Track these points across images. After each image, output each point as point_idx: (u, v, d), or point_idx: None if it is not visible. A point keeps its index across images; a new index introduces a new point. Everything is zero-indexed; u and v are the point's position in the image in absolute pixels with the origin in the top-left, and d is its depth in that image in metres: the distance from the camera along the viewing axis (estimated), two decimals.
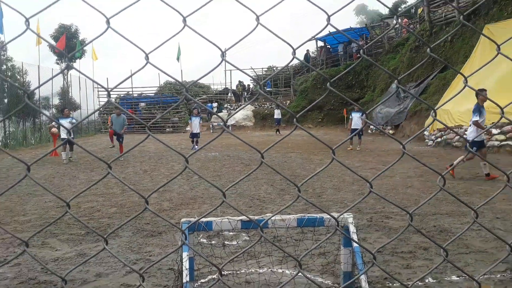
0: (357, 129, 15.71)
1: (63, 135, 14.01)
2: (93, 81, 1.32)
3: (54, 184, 9.96)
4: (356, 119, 15.93)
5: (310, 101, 29.32)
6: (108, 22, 1.01)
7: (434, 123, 15.69)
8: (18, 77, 25.03)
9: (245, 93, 38.25)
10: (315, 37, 29.09)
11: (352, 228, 3.50)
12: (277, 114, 26.64)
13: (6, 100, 23.05)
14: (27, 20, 1.02)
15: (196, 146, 17.09)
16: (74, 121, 14.05)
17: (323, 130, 27.43)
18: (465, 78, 1.28)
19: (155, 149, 17.52)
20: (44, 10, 1.07)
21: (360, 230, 5.63)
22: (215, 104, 34.56)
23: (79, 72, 1.17)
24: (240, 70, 1.32)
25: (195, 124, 17.28)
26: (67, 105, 28.72)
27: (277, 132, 25.81)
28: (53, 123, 13.89)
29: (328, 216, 3.51)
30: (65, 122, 13.24)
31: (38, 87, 8.14)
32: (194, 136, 17.29)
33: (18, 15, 1.05)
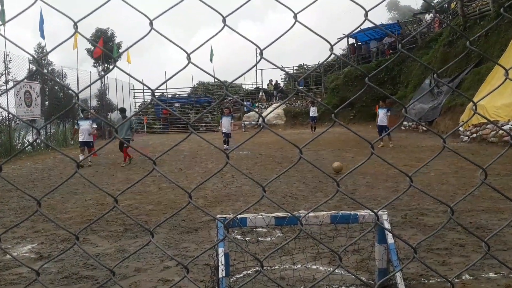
0: (382, 125, 15.50)
1: (82, 137, 13.37)
2: (140, 82, 1.36)
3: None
4: (382, 116, 15.73)
5: (341, 98, 28.97)
6: (151, 23, 1.04)
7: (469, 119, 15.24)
8: (58, 80, 25.84)
9: (276, 92, 38.22)
10: (349, 34, 28.75)
11: (387, 225, 3.46)
12: (312, 111, 26.05)
13: (47, 103, 23.83)
14: (75, 24, 1.06)
15: (226, 146, 17.01)
16: (95, 125, 13.66)
17: (354, 127, 27.07)
18: (506, 71, 1.24)
19: (189, 149, 17.75)
20: (90, 15, 1.11)
21: (395, 227, 5.55)
22: (247, 103, 34.72)
23: (127, 74, 1.21)
24: (280, 68, 1.33)
25: (226, 124, 17.23)
26: (105, 106, 29.50)
27: (313, 130, 25.57)
28: (92, 124, 13.51)
29: (362, 213, 3.47)
30: (85, 124, 13.35)
31: (86, 87, 8.37)
32: (226, 135, 17.23)
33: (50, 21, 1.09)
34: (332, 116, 1.04)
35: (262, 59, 1.11)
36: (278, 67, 1.27)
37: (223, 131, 17.19)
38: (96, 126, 13.87)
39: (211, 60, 35.71)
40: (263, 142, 19.40)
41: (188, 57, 1.07)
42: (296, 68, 41.25)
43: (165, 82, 1.17)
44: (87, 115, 13.88)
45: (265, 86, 38.75)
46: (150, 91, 1.15)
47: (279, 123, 31.57)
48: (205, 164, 13.08)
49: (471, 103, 1.21)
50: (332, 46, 1.06)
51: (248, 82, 50.64)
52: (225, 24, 1.05)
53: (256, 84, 39.38)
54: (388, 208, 6.28)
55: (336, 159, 12.74)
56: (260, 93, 36.99)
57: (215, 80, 34.72)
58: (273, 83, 38.68)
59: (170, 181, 1.20)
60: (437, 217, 6.03)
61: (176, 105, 34.96)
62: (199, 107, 33.83)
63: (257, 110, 33.30)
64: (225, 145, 17.00)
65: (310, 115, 26.02)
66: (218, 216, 3.53)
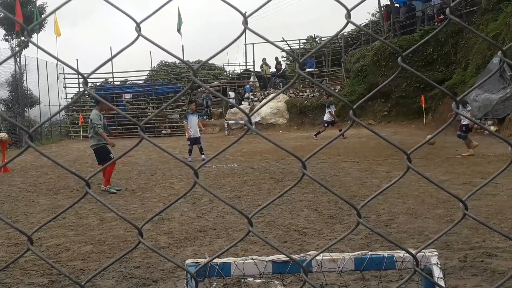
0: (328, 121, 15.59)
1: None
2: (63, 63, 1.35)
3: (4, 213, 10.19)
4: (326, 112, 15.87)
5: (370, 85, 29.09)
6: None
7: None
8: None
9: (275, 77, 38.30)
10: None
11: (437, 272, 3.47)
12: (327, 115, 24.89)
13: None
14: None
15: (203, 156, 17.09)
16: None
17: (390, 128, 27.22)
18: None
19: (146, 160, 17.71)
20: None
21: (450, 274, 5.57)
22: (232, 94, 34.78)
23: (44, 51, 1.21)
24: (270, 42, 1.33)
25: (195, 124, 17.30)
26: (21, 98, 29.34)
27: (342, 134, 24.73)
28: None
29: (402, 254, 3.48)
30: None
31: None
32: (195, 141, 17.35)
33: None
34: (350, 114, 1.05)
35: (246, 30, 1.11)
36: (267, 40, 1.27)
37: (191, 135, 17.24)
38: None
39: (178, 30, 35.65)
40: (255, 150, 19.44)
41: (138, 28, 1.07)
42: (304, 41, 41.37)
43: (105, 63, 1.18)
44: None
45: (258, 68, 38.85)
46: (82, 77, 1.15)
47: (280, 122, 31.65)
48: (169, 183, 13.06)
49: None
50: (349, 12, 1.07)
51: (234, 63, 50.68)
52: None
53: (246, 65, 39.51)
54: (439, 247, 6.31)
55: (364, 174, 12.79)
56: (252, 78, 37.06)
57: (184, 60, 34.78)
58: (267, 62, 38.64)
59: (109, 209, 1.20)
60: (511, 259, 6.06)
61: (127, 96, 34.87)
62: (162, 99, 33.77)
63: (246, 104, 33.34)
64: (203, 156, 17.11)
65: (325, 119, 24.87)
66: (188, 261, 3.52)
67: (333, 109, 24.17)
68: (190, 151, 17.38)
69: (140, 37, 1.11)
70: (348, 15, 1.08)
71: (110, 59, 1.15)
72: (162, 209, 1.26)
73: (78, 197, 1.32)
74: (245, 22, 1.09)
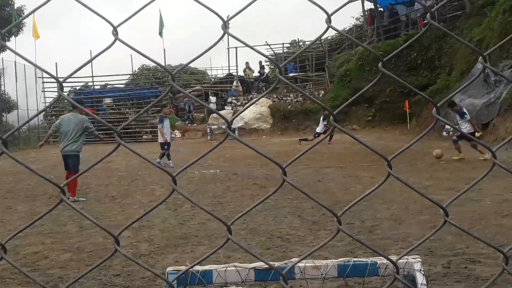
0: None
1: None
2: (39, 67, 1.35)
3: None
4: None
5: (354, 90, 29.17)
6: None
7: None
8: None
9: (258, 82, 38.36)
10: None
11: (420, 278, 3.48)
12: (321, 126, 24.72)
13: None
14: None
15: (171, 163, 17.21)
16: None
17: (375, 133, 27.36)
18: None
19: (127, 166, 17.63)
20: None
21: (433, 281, 5.59)
22: (213, 98, 34.75)
23: (18, 54, 1.20)
24: (249, 47, 1.33)
25: (169, 129, 17.69)
26: None
27: (300, 142, 24.84)
28: None
29: (385, 261, 3.49)
30: None
31: None
32: (168, 146, 17.58)
33: None
34: (330, 120, 1.05)
35: (227, 35, 1.11)
36: (246, 45, 1.27)
37: (168, 140, 17.42)
38: None
39: (160, 34, 35.68)
40: (239, 156, 19.43)
41: (115, 32, 1.07)
42: (288, 45, 41.51)
43: (81, 67, 1.17)
44: None
45: (241, 73, 38.87)
46: (57, 82, 1.14)
47: (264, 127, 31.67)
48: (150, 189, 13.01)
49: None
50: (329, 17, 1.07)
51: (217, 67, 50.78)
52: None
53: (228, 70, 39.54)
54: (422, 253, 6.34)
55: (349, 180, 12.83)
56: (234, 83, 37.09)
57: (166, 64, 34.20)
58: (251, 67, 38.71)
59: (84, 216, 1.19)
60: (495, 265, 6.10)
61: (108, 100, 34.73)
62: (143, 103, 33.64)
63: (229, 108, 33.32)
64: (169, 161, 17.42)
65: (317, 130, 24.77)
66: (169, 269, 3.50)
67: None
68: (168, 155, 17.44)
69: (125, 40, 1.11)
70: (328, 20, 1.09)
71: (86, 64, 1.15)
72: (139, 217, 1.25)
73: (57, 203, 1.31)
74: (224, 27, 1.09)
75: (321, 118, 24.48)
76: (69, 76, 1.23)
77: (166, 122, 17.56)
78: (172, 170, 14.41)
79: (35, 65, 1.31)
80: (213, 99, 34.59)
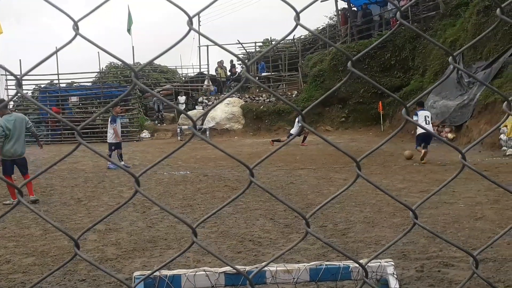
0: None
1: None
2: None
3: None
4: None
5: (327, 90, 29.24)
6: None
7: None
8: None
9: (230, 81, 38.34)
10: None
11: (393, 282, 3.50)
12: (296, 128, 24.83)
13: None
14: None
15: (123, 163, 17.25)
16: None
17: (348, 134, 27.53)
18: None
19: (94, 167, 17.46)
20: None
21: (406, 285, 5.64)
22: (182, 98, 34.58)
23: None
24: (218, 45, 1.32)
25: (119, 128, 17.85)
26: None
27: (273, 143, 24.97)
28: None
29: (356, 264, 3.51)
30: None
31: None
32: (119, 146, 17.59)
33: None
34: (298, 119, 1.05)
35: (194, 32, 1.10)
36: (215, 43, 1.26)
37: (120, 140, 17.68)
38: None
39: (129, 31, 35.48)
40: (210, 157, 19.38)
41: (75, 26, 1.05)
42: (260, 44, 41.56)
43: (37, 66, 1.15)
44: None
45: (212, 72, 38.80)
46: (15, 78, 1.12)
47: (236, 127, 31.60)
48: (118, 191, 12.90)
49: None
50: (297, 14, 1.07)
51: (187, 65, 50.59)
52: None
53: (199, 68, 39.41)
54: (395, 257, 6.39)
55: (321, 182, 12.87)
56: (206, 82, 36.97)
57: (134, 61, 33.80)
58: (223, 66, 38.73)
59: (43, 218, 1.17)
60: (468, 269, 6.16)
61: (74, 99, 34.40)
62: (111, 102, 33.40)
63: (200, 108, 33.25)
64: (122, 162, 17.42)
65: (291, 131, 24.89)
66: (135, 274, 3.47)
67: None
68: (120, 156, 17.39)
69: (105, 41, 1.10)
70: (297, 18, 1.08)
71: (45, 60, 1.12)
72: (100, 219, 1.23)
73: (18, 206, 1.28)
74: (190, 23, 1.08)
75: (297, 120, 24.46)
76: (27, 73, 1.21)
77: (118, 122, 17.58)
78: (117, 172, 14.10)
79: None
80: (181, 99, 34.38)
